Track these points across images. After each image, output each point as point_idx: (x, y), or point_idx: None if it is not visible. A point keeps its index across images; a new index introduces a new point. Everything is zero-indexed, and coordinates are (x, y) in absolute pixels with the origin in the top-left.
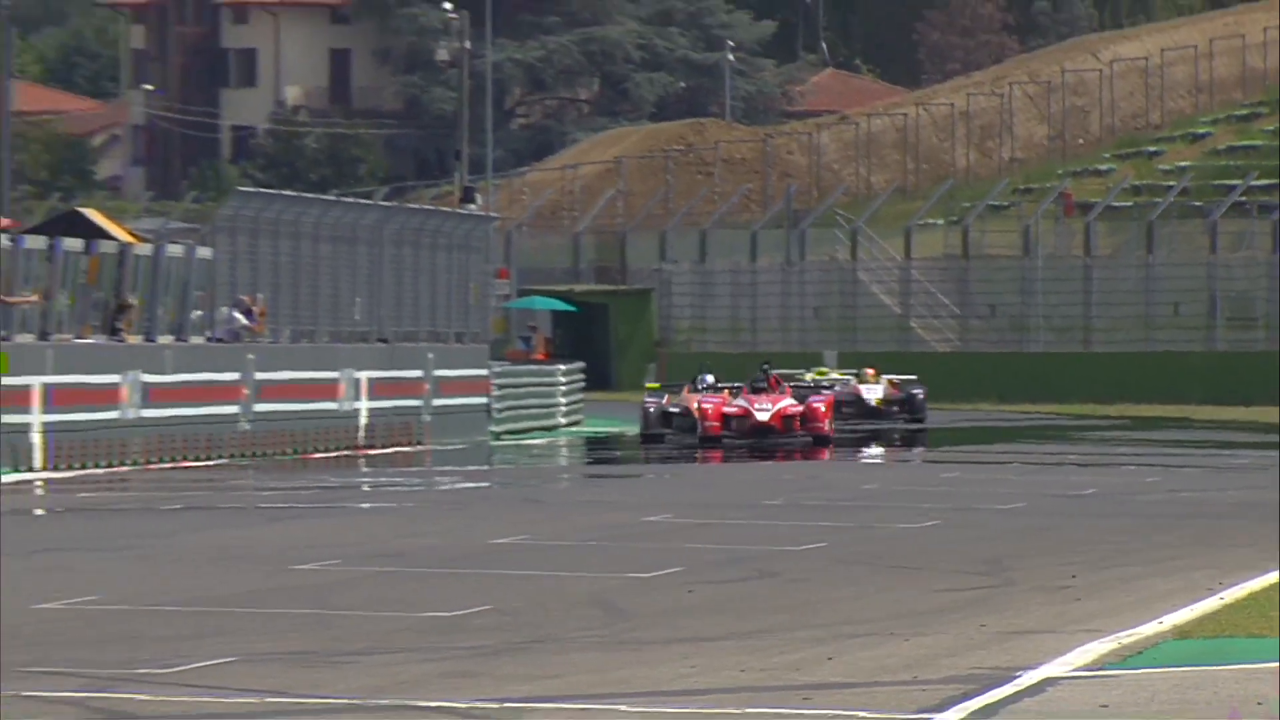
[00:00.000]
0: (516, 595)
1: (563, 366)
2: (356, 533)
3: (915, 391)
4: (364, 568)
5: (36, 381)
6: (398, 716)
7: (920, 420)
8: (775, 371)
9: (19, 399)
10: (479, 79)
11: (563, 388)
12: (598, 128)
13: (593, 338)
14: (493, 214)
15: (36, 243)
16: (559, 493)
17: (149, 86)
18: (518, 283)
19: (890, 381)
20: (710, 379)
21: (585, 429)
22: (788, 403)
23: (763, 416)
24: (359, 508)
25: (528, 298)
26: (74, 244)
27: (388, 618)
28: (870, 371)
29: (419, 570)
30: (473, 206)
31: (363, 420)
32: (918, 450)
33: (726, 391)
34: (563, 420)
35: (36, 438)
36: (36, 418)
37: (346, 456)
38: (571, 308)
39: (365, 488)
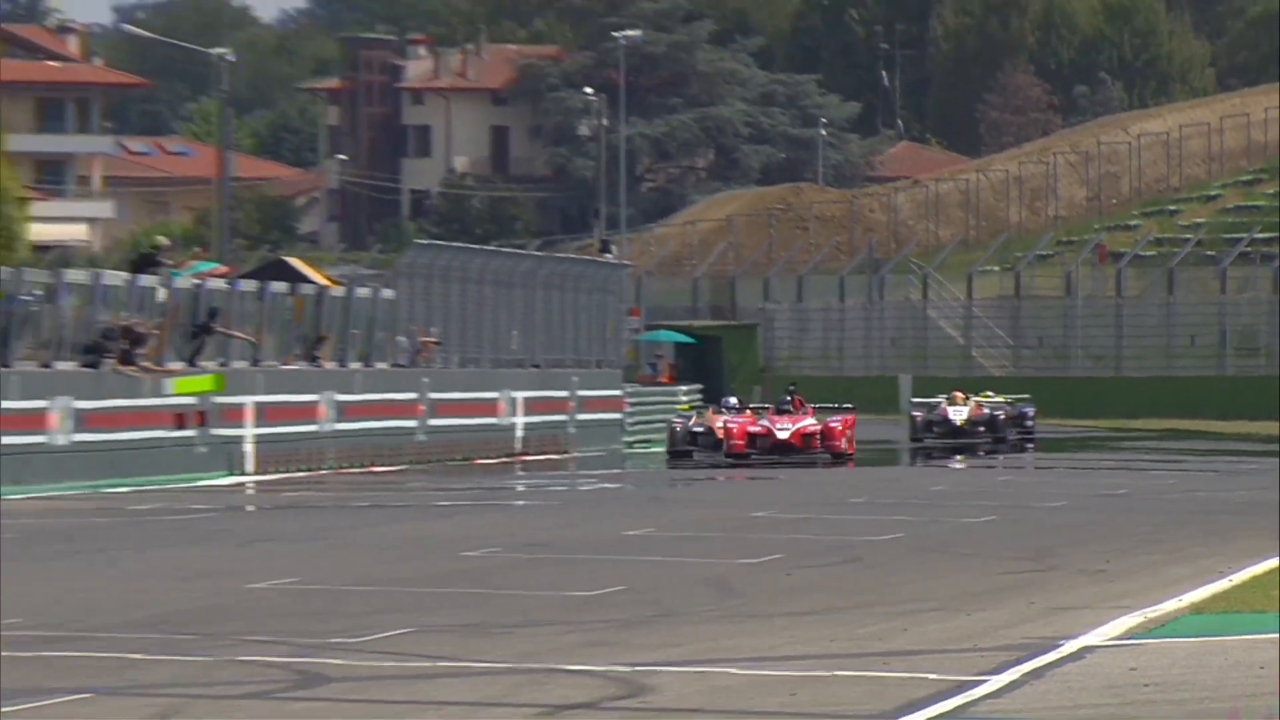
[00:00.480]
0: (645, 577)
1: (683, 388)
2: (513, 525)
3: (998, 412)
4: (519, 554)
5: (249, 400)
6: (547, 679)
7: (1003, 439)
8: (798, 395)
9: (235, 415)
10: (614, 150)
11: (689, 398)
12: (712, 191)
13: (708, 365)
14: (626, 262)
15: (250, 286)
16: (679, 493)
17: (342, 157)
18: (646, 319)
19: (976, 404)
20: (734, 401)
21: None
22: (808, 422)
23: (783, 435)
24: (515, 505)
25: (655, 331)
26: (280, 287)
27: (538, 596)
28: (959, 395)
29: (564, 556)
30: (609, 256)
31: (518, 433)
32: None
33: (749, 412)
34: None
35: (249, 447)
36: (249, 430)
37: (505, 463)
38: (691, 339)
39: (520, 488)
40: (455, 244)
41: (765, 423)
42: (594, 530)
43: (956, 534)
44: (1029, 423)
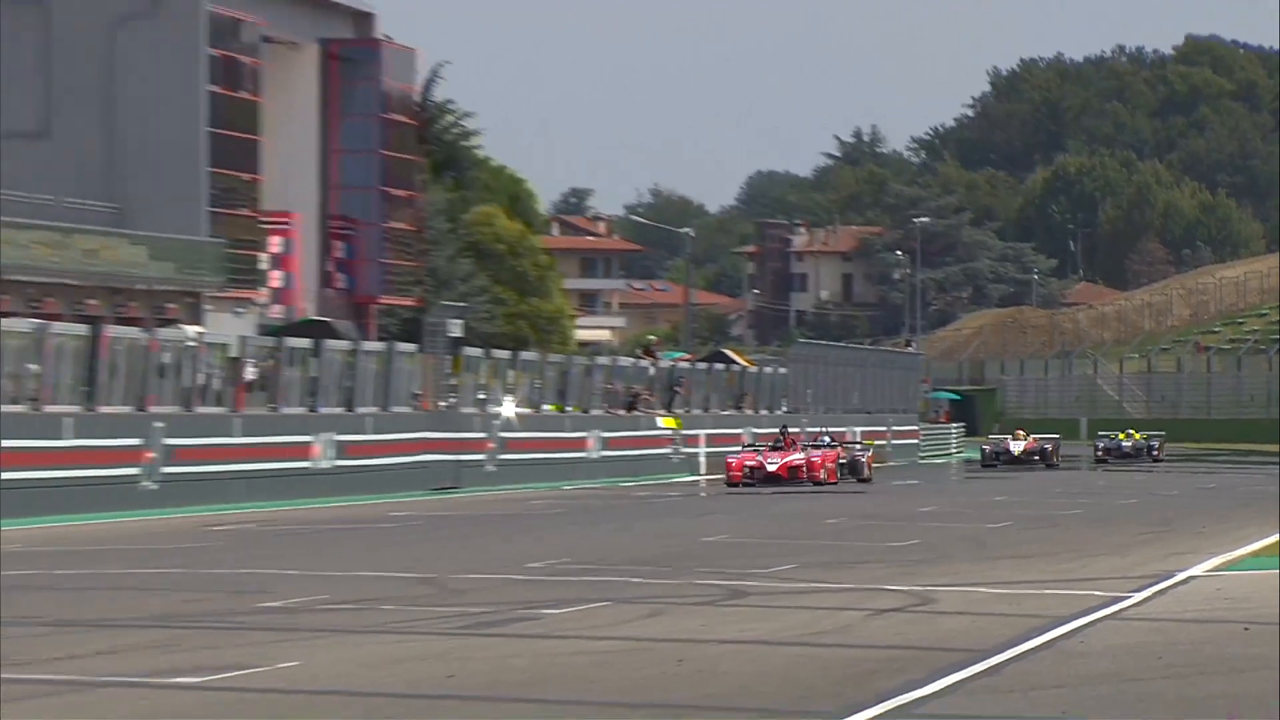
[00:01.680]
0: (930, 535)
1: (954, 426)
2: (852, 505)
3: (1046, 445)
4: (859, 521)
5: (702, 432)
6: (874, 593)
7: (1052, 465)
8: (827, 431)
9: (693, 440)
10: (914, 288)
11: (954, 436)
12: (970, 311)
13: (969, 412)
14: (920, 352)
15: (702, 365)
16: (955, 485)
17: (756, 291)
18: (933, 385)
19: (1032, 438)
20: (748, 439)
21: (963, 456)
22: (795, 457)
23: (771, 468)
24: (849, 494)
25: (937, 391)
26: (719, 367)
27: (869, 546)
28: (1020, 432)
29: (884, 523)
30: (912, 348)
31: (858, 452)
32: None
33: (750, 450)
34: (953, 452)
35: (702, 459)
36: (702, 449)
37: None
38: (958, 397)
39: (855, 484)
40: (822, 342)
41: (759, 458)
42: (901, 508)
43: (1114, 511)
44: (1156, 448)
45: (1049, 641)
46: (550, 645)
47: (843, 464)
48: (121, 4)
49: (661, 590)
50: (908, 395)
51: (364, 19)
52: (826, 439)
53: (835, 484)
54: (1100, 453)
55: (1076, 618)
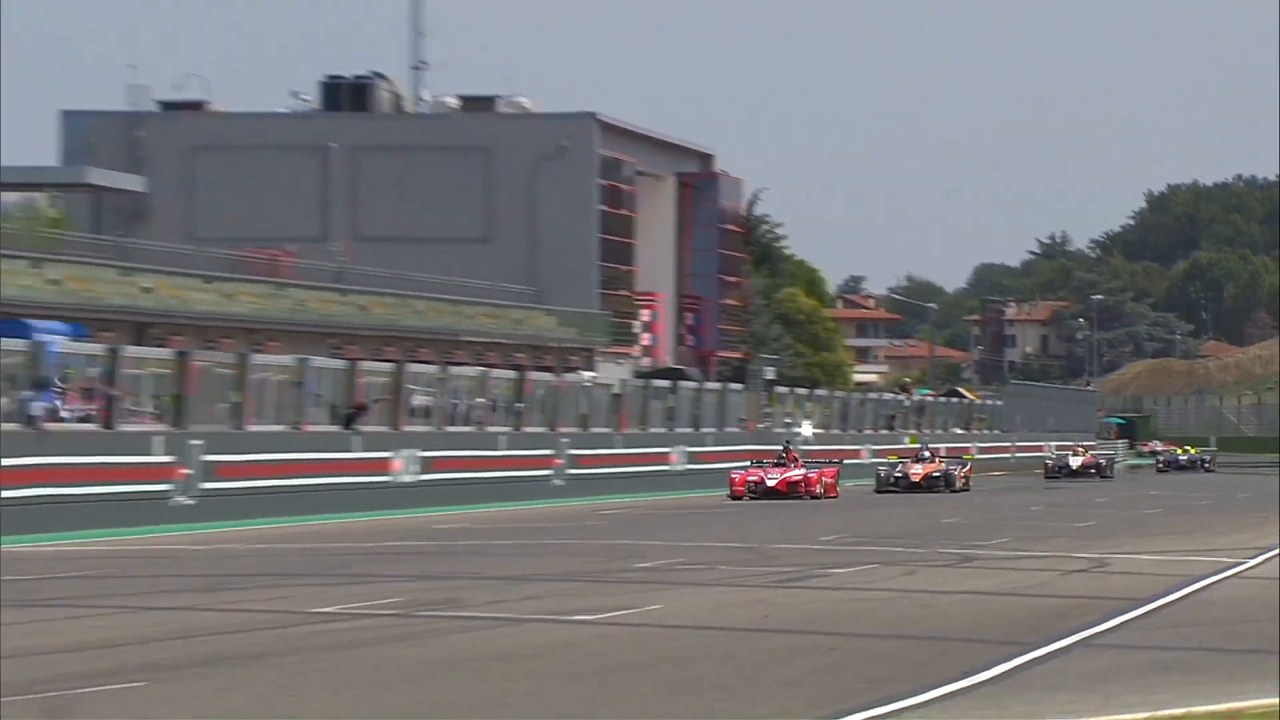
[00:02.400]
0: (1103, 518)
1: (1120, 441)
2: (1047, 498)
3: (1104, 461)
4: (1049, 509)
5: (943, 446)
6: (1065, 559)
7: (1108, 478)
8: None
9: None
10: (1091, 345)
11: (1121, 447)
12: (1131, 361)
13: (1130, 432)
14: (1096, 390)
15: (941, 399)
16: (1119, 484)
17: (980, 346)
18: (1106, 413)
19: (1091, 454)
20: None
21: (1129, 463)
22: (794, 473)
23: (771, 483)
24: (1045, 491)
25: (1108, 417)
26: (954, 400)
27: (1059, 526)
28: (1079, 448)
29: (1072, 510)
30: (1090, 387)
31: (951, 466)
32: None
33: (754, 466)
34: (1120, 461)
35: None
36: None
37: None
38: (1123, 421)
39: (1039, 488)
40: (1027, 382)
41: (761, 473)
42: (1082, 498)
43: (1232, 501)
44: (1208, 460)
45: (1190, 593)
46: (836, 595)
47: (935, 476)
48: (540, 149)
49: (914, 556)
50: (1087, 420)
51: (707, 159)
52: (927, 453)
53: (835, 498)
54: (1160, 464)
55: (1208, 576)
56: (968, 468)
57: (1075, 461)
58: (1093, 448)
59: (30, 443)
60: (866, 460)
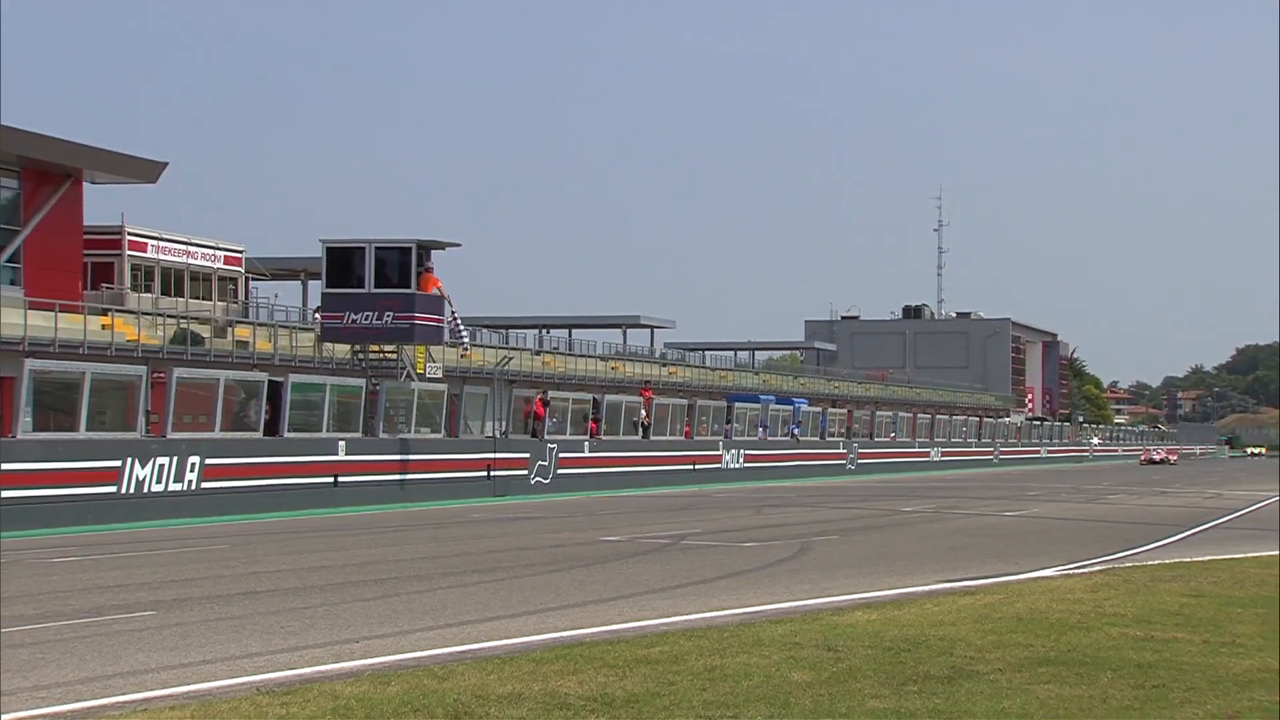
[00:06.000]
0: (1193, 505)
1: (1226, 446)
2: (1136, 476)
3: (1173, 458)
4: (1135, 492)
5: (1119, 449)
6: (1204, 493)
7: (1174, 464)
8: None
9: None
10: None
11: (1226, 450)
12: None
13: (1232, 442)
14: (1214, 424)
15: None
16: (1209, 462)
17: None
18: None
19: (1171, 451)
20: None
21: (1230, 454)
22: (1156, 455)
23: (1155, 458)
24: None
25: (1222, 435)
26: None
27: (1139, 509)
28: (1163, 450)
29: (1166, 487)
30: (1211, 422)
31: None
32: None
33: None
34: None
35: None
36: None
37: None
38: (1229, 437)
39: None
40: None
41: (1148, 454)
42: (1193, 470)
43: (1269, 468)
44: None
45: (1255, 509)
46: (1119, 503)
47: (1163, 460)
48: (986, 330)
49: (1152, 490)
50: (1208, 438)
51: (1054, 335)
52: (1162, 452)
53: (1174, 463)
54: (1246, 455)
55: (1258, 503)
56: (1175, 458)
57: (1157, 455)
58: (1175, 450)
59: None
60: (1155, 455)
